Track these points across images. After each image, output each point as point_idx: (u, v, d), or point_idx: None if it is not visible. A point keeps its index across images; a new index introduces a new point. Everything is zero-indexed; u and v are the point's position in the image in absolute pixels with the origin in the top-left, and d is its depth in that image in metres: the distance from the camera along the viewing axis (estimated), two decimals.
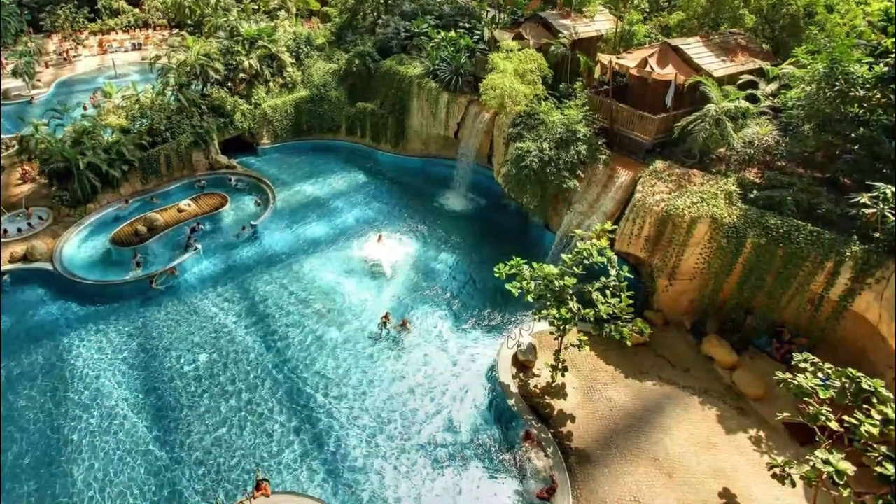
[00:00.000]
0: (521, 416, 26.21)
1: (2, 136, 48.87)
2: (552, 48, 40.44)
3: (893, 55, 26.92)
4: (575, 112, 35.10)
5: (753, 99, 31.57)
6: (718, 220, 27.75)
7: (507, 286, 26.40)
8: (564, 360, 26.65)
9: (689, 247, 28.63)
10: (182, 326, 32.63)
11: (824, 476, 18.31)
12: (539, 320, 27.54)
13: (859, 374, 19.55)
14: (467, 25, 51.53)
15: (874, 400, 19.05)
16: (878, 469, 17.89)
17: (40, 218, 40.14)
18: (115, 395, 28.31)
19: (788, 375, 20.75)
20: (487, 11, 55.41)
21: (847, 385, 19.58)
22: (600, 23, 44.15)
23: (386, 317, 32.07)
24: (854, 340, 25.75)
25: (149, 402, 28.08)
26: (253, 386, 28.87)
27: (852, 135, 27.15)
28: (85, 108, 52.99)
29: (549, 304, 25.72)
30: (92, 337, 31.83)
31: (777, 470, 19.54)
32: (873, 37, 29.85)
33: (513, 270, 26.54)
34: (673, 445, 24.43)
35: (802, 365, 20.94)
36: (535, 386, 27.65)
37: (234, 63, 50.45)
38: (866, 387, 19.22)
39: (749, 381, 26.60)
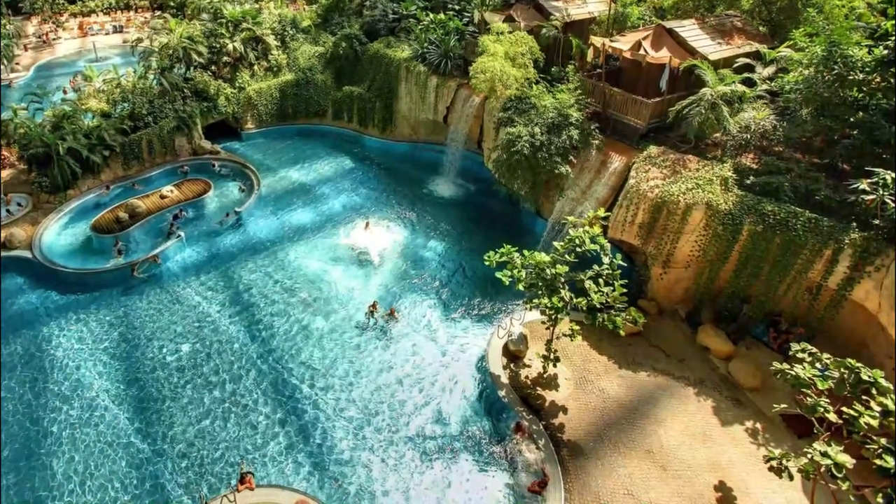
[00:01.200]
0: (511, 407, 25.82)
1: None
2: (544, 31, 39.95)
3: (893, 38, 26.40)
4: (567, 96, 34.65)
5: (750, 83, 31.08)
6: (714, 207, 27.34)
7: (498, 274, 25.91)
8: (556, 351, 26.22)
9: (683, 234, 28.21)
10: (164, 316, 32.06)
11: (822, 469, 17.99)
12: (530, 309, 27.11)
13: (858, 365, 19.19)
14: (457, 7, 50.82)
15: (874, 391, 18.69)
16: (878, 462, 17.60)
17: (19, 205, 39.28)
18: (96, 386, 27.79)
19: (786, 366, 20.35)
20: None
21: (846, 376, 19.23)
22: (593, 5, 43.61)
23: (373, 306, 31.56)
24: (853, 330, 25.39)
25: (130, 394, 27.54)
26: (237, 377, 28.35)
27: (851, 119, 26.68)
28: (65, 93, 52.50)
29: (540, 292, 25.28)
30: (72, 326, 31.24)
31: (774, 462, 19.17)
32: (873, 19, 29.43)
33: (503, 258, 26.08)
34: (667, 437, 24.07)
35: (800, 355, 20.50)
36: (527, 377, 27.25)
37: (218, 46, 49.43)
38: (865, 377, 18.86)
39: (745, 371, 26.21)
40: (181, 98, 46.37)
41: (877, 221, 24.08)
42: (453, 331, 31.13)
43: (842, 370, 19.35)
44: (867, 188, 23.94)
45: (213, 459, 24.49)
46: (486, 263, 26.42)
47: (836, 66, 26.52)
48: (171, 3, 72.68)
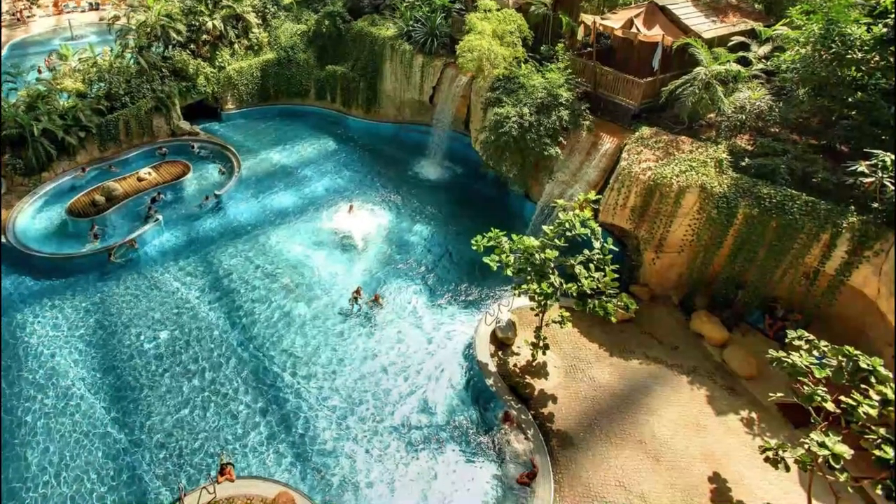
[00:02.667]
0: (499, 396, 25.38)
1: None
2: (532, 8, 39.09)
3: (893, 15, 25.85)
4: (557, 76, 33.98)
5: (745, 62, 30.60)
6: (708, 190, 26.81)
7: (485, 259, 25.42)
8: (545, 338, 25.74)
9: (677, 218, 27.72)
10: (142, 302, 31.33)
11: (820, 460, 17.56)
12: (519, 295, 26.57)
13: (857, 352, 18.70)
14: None
15: (872, 379, 18.21)
16: (877, 452, 17.21)
17: None
18: (72, 375, 27.16)
19: (782, 353, 19.88)
20: None
21: (844, 364, 18.76)
22: None
23: (357, 292, 30.93)
24: (851, 317, 24.99)
25: (107, 382, 26.95)
26: (217, 365, 27.76)
27: (849, 99, 26.14)
28: (40, 72, 51.11)
29: (529, 278, 24.82)
30: (47, 313, 30.53)
31: (770, 453, 18.75)
32: None
33: (491, 243, 25.56)
34: (660, 427, 23.66)
35: (797, 342, 20.09)
36: (515, 365, 26.77)
37: (197, 24, 48.24)
38: (864, 365, 18.39)
39: (740, 359, 25.83)
40: (159, 77, 45.26)
41: (876, 205, 23.61)
42: (439, 317, 30.62)
43: (840, 358, 18.89)
44: (866, 170, 23.50)
45: (192, 450, 24.02)
46: (474, 248, 25.93)
47: (833, 45, 25.96)
48: None
